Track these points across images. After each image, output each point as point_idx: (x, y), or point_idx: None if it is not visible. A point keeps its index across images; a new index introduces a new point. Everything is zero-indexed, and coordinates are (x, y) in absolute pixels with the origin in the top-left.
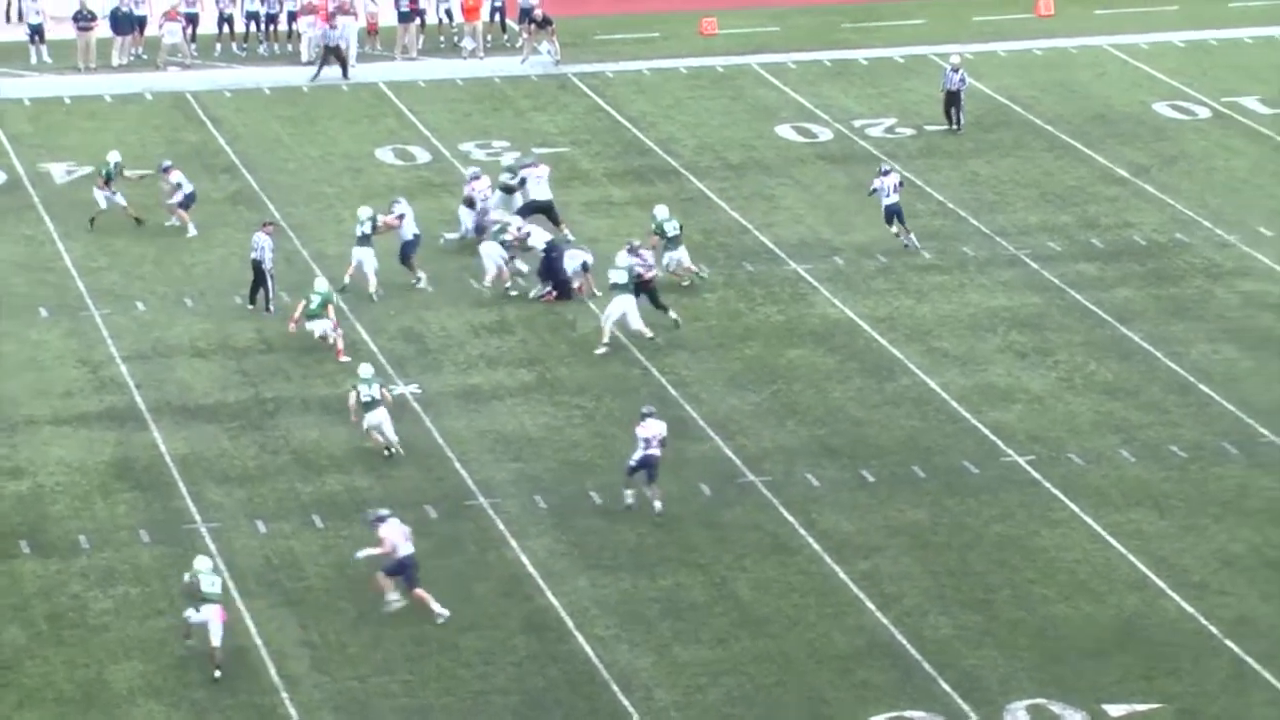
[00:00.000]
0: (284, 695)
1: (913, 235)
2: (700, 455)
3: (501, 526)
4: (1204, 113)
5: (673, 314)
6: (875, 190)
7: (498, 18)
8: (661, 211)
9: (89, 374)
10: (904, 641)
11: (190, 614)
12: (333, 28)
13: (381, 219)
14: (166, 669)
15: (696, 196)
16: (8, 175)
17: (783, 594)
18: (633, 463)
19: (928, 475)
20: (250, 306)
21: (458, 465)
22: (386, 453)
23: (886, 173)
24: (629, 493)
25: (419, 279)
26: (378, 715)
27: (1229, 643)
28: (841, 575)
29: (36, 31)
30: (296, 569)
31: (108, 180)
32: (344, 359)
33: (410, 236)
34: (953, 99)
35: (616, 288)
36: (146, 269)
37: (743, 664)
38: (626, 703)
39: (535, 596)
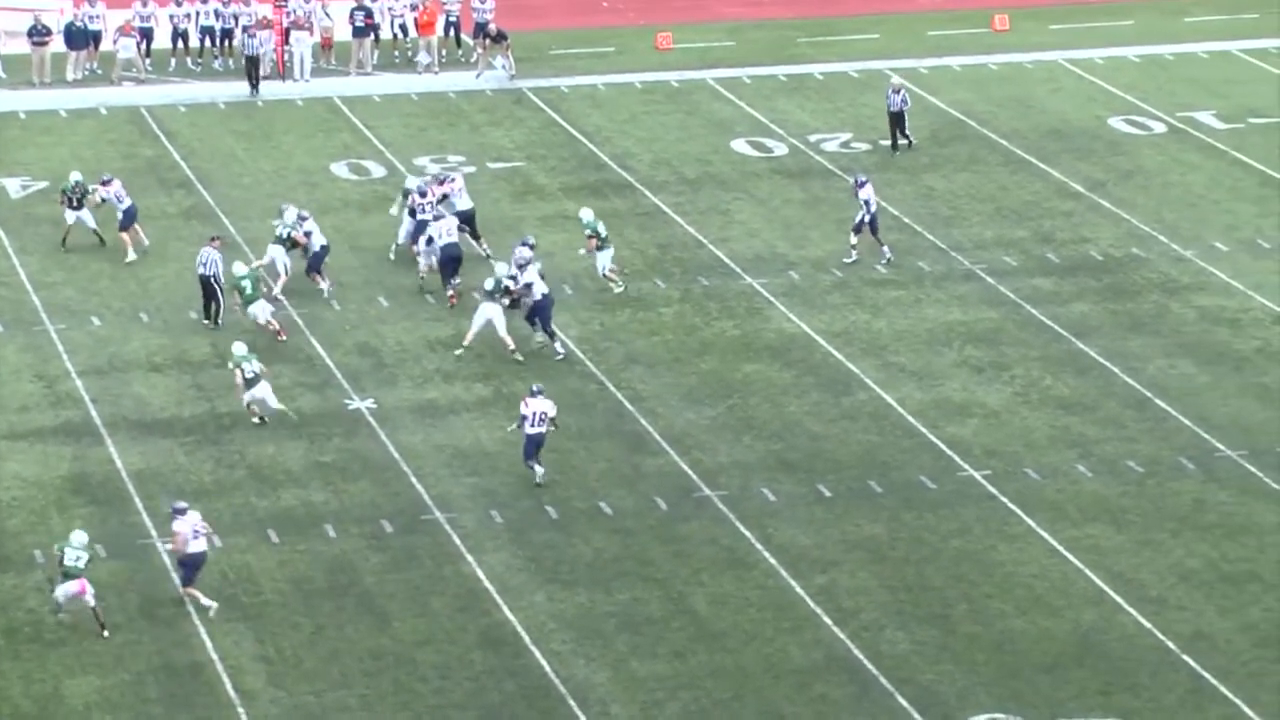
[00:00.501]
0: (240, 710)
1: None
2: (656, 469)
3: (458, 541)
4: (1159, 128)
5: (557, 345)
6: (867, 201)
7: (453, 33)
8: (587, 214)
9: (45, 389)
10: (861, 656)
11: (57, 589)
12: (251, 36)
13: (293, 233)
14: (123, 684)
15: (652, 211)
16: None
17: (740, 608)
18: (526, 446)
19: (885, 490)
20: (205, 322)
21: (414, 480)
22: (257, 420)
23: (864, 183)
24: (538, 470)
25: (325, 289)
26: None
27: (1186, 658)
28: (798, 590)
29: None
30: (252, 583)
31: (76, 201)
32: (284, 339)
33: (318, 248)
34: (897, 119)
35: (485, 294)
36: (102, 284)
37: (700, 678)
38: (583, 717)
39: (492, 611)
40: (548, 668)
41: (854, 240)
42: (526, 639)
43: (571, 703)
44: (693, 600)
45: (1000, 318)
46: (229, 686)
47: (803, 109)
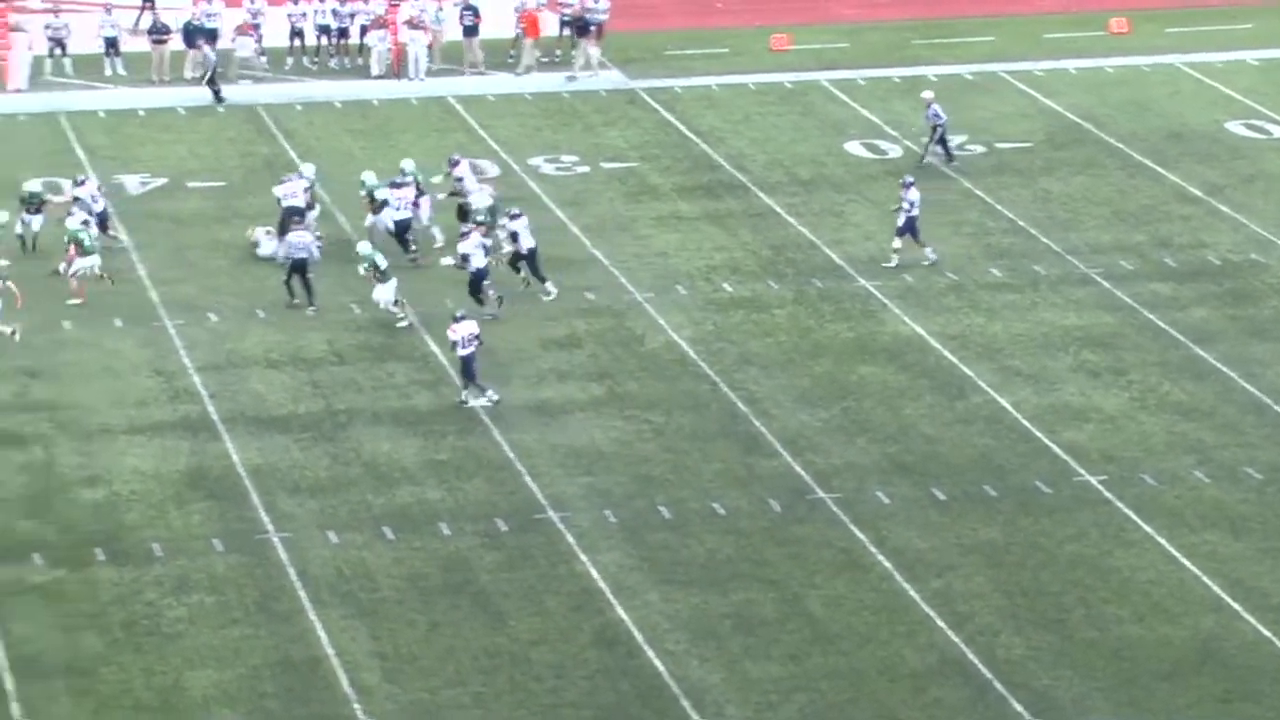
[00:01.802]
0: (356, 706)
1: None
2: (770, 471)
3: (572, 540)
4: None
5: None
6: (912, 204)
7: (567, 31)
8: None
9: (163, 384)
10: (976, 661)
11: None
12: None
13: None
14: (241, 677)
15: (765, 212)
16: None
17: (854, 611)
18: (460, 369)
19: (1000, 494)
20: (295, 301)
21: (528, 479)
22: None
23: (910, 184)
24: (465, 393)
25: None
26: None
27: None
28: (913, 593)
29: (111, 44)
30: (369, 580)
31: (34, 208)
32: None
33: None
34: (936, 133)
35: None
36: (220, 281)
37: (814, 681)
38: (697, 718)
39: (606, 611)
40: (662, 668)
41: (897, 244)
42: (640, 639)
43: (685, 703)
44: (807, 602)
45: (1117, 322)
46: (345, 682)
47: (917, 111)
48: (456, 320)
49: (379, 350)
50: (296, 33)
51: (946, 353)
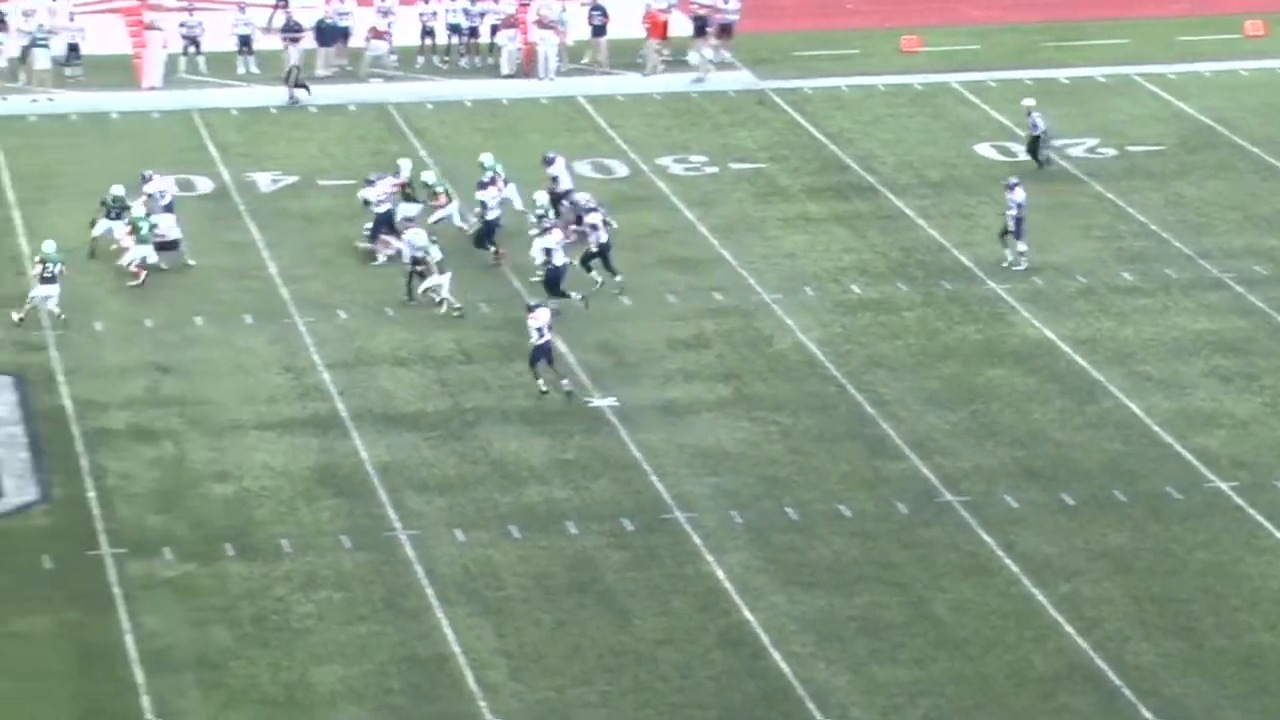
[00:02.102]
0: (482, 704)
1: (1019, 249)
2: (898, 474)
3: (698, 541)
4: None
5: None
6: (1018, 205)
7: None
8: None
9: (293, 381)
10: (1105, 667)
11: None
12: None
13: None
14: (368, 674)
15: (895, 214)
16: (215, 184)
17: (981, 615)
18: (533, 355)
19: (1130, 500)
20: (405, 299)
21: (654, 479)
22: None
23: (1015, 185)
24: (540, 381)
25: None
26: None
27: None
28: (1041, 598)
29: (245, 42)
30: (495, 578)
31: (115, 213)
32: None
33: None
34: (1035, 143)
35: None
36: (349, 278)
37: (941, 685)
38: None
39: (732, 611)
40: (787, 670)
41: (1021, 247)
42: (766, 640)
43: (811, 705)
44: (934, 606)
45: (1250, 327)
46: (471, 680)
47: (1048, 114)
48: (531, 310)
49: (507, 349)
50: (427, 32)
51: (1076, 357)
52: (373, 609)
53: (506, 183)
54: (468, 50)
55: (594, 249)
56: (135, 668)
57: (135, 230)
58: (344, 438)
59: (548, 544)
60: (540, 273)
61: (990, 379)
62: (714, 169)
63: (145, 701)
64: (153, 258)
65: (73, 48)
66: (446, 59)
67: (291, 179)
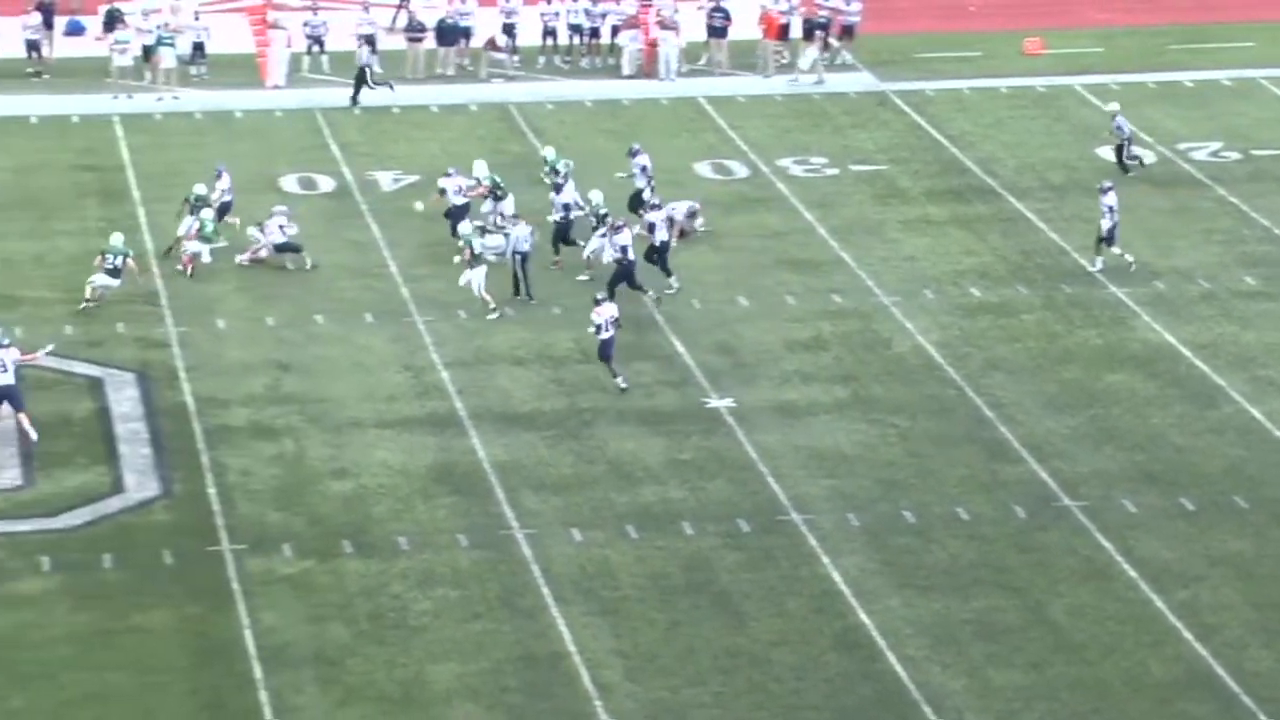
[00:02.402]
0: (597, 703)
1: (1112, 259)
2: (1015, 477)
3: (814, 543)
4: None
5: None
6: (1110, 208)
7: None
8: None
9: (412, 379)
10: (1224, 674)
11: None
12: (373, 50)
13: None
14: (484, 672)
15: (1015, 217)
16: (337, 183)
17: (1099, 620)
18: (600, 350)
19: (1251, 506)
20: (519, 297)
21: (770, 480)
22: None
23: (1108, 189)
24: (619, 379)
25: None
26: None
27: None
28: (1159, 604)
29: (368, 42)
30: (610, 578)
31: (195, 210)
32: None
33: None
34: (1121, 148)
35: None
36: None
37: (1057, 690)
38: None
39: (847, 614)
40: (903, 673)
41: (1116, 250)
42: (882, 643)
43: (926, 709)
44: (1050, 610)
45: None
46: (586, 679)
47: (1172, 116)
48: (598, 303)
49: (625, 349)
50: (549, 32)
51: (1197, 361)
52: (489, 607)
53: (566, 180)
54: (589, 50)
55: (655, 245)
56: (254, 663)
57: (200, 229)
58: (462, 436)
59: (664, 544)
60: (613, 269)
61: (1110, 383)
62: (834, 171)
63: (263, 697)
64: (206, 257)
65: (198, 46)
66: (568, 59)
67: (413, 178)
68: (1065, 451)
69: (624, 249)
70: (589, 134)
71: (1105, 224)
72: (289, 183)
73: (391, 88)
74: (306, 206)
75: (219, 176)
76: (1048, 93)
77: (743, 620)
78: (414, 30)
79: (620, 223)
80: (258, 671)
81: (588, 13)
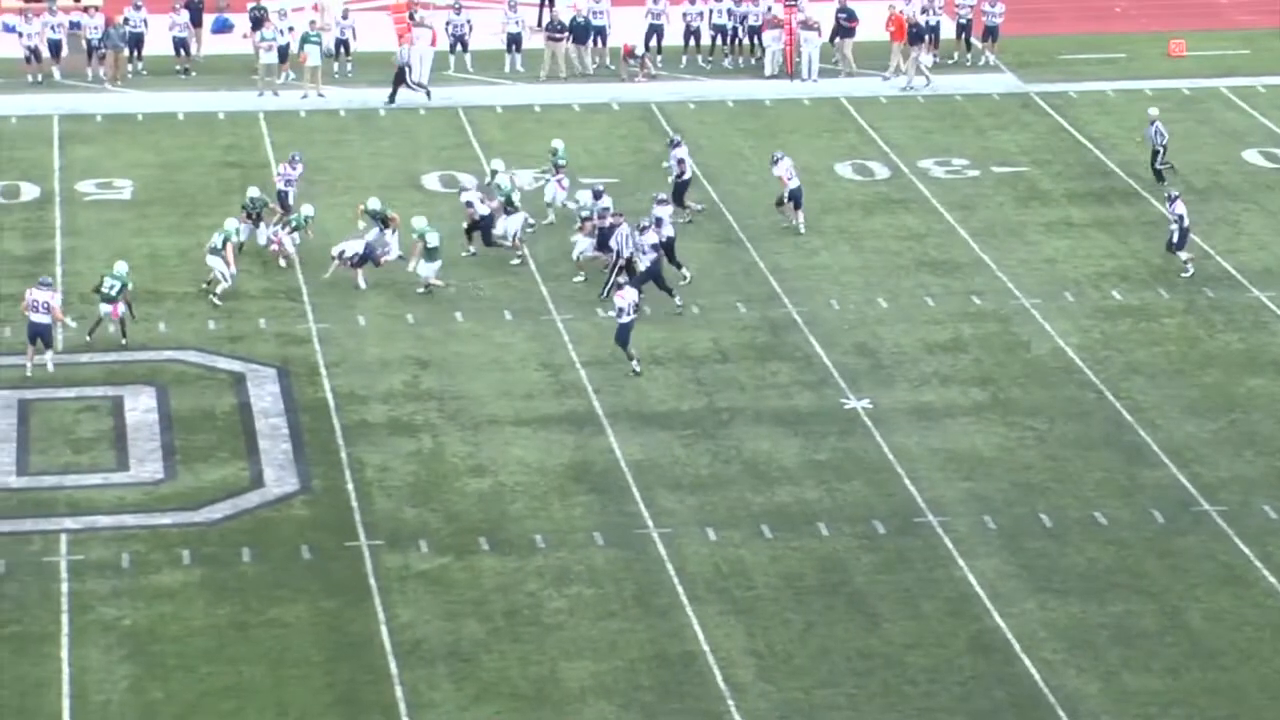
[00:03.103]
0: (730, 703)
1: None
2: (1154, 482)
3: (950, 545)
4: None
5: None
6: (1180, 216)
7: (963, 36)
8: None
9: (550, 377)
10: None
11: (100, 309)
12: (410, 43)
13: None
14: (618, 670)
15: (1158, 220)
16: (479, 181)
17: (1236, 626)
18: (619, 335)
19: None
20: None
21: (907, 482)
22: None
23: (1176, 198)
24: (635, 363)
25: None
26: None
27: None
28: None
29: (514, 41)
30: (745, 578)
31: (255, 216)
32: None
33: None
34: (1155, 155)
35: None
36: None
37: (1194, 696)
38: None
39: (983, 617)
40: (1038, 676)
41: (1184, 257)
42: (1017, 646)
43: (1061, 713)
44: (1188, 616)
45: None
46: (719, 678)
47: None
48: (619, 288)
49: (762, 349)
50: (692, 32)
51: None
52: (623, 606)
53: (559, 172)
54: (732, 50)
55: (661, 240)
56: (389, 658)
57: (295, 228)
58: (599, 435)
59: (799, 545)
60: (643, 265)
61: (1251, 388)
62: (975, 172)
63: (399, 692)
64: (290, 248)
65: (342, 44)
66: (710, 59)
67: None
68: (1205, 456)
69: (654, 247)
70: (729, 134)
71: (1175, 233)
72: (431, 180)
73: (429, 95)
74: (448, 205)
75: (294, 163)
76: (1192, 95)
77: (877, 622)
78: (554, 30)
79: (645, 223)
80: (393, 667)
81: (730, 13)
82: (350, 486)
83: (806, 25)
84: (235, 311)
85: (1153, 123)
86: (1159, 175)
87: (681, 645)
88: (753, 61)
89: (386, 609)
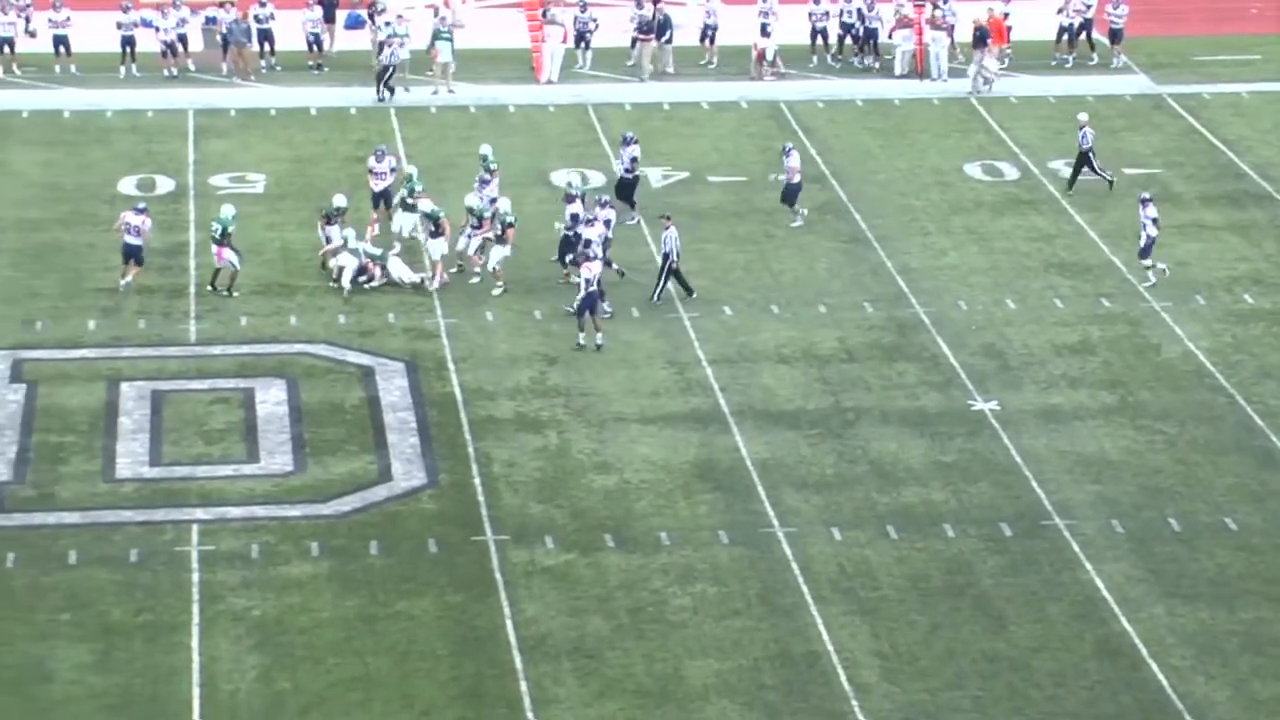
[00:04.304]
0: (854, 703)
1: (1158, 266)
2: None
3: (1077, 548)
4: None
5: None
6: (1154, 219)
7: (1084, 35)
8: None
9: (676, 375)
10: None
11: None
12: (392, 46)
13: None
14: (741, 669)
15: None
16: (607, 178)
17: None
18: (579, 304)
19: None
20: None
21: (1035, 484)
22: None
23: (1146, 202)
24: (581, 335)
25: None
26: None
27: None
28: None
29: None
30: (870, 578)
31: (334, 218)
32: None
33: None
34: (1083, 159)
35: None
36: (736, 275)
37: None
38: None
39: (1110, 621)
40: (1165, 683)
41: (1145, 263)
42: (1144, 651)
43: None
44: None
45: None
46: (843, 679)
47: None
48: (589, 259)
49: (889, 349)
50: (819, 32)
51: None
52: (748, 604)
53: (492, 176)
54: (861, 50)
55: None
56: (514, 653)
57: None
58: (724, 433)
59: (924, 546)
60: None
61: None
62: (1107, 174)
63: (523, 687)
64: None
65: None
66: (839, 58)
67: (682, 175)
68: None
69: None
70: (857, 133)
71: (1145, 237)
72: (558, 177)
73: (388, 95)
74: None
75: (380, 157)
76: None
77: (1003, 624)
78: (643, 30)
79: (591, 217)
80: (518, 661)
81: (859, 13)
82: (477, 481)
83: (935, 25)
84: (365, 306)
85: (1082, 127)
86: (1071, 183)
87: (806, 645)
88: (876, 64)
89: (512, 604)
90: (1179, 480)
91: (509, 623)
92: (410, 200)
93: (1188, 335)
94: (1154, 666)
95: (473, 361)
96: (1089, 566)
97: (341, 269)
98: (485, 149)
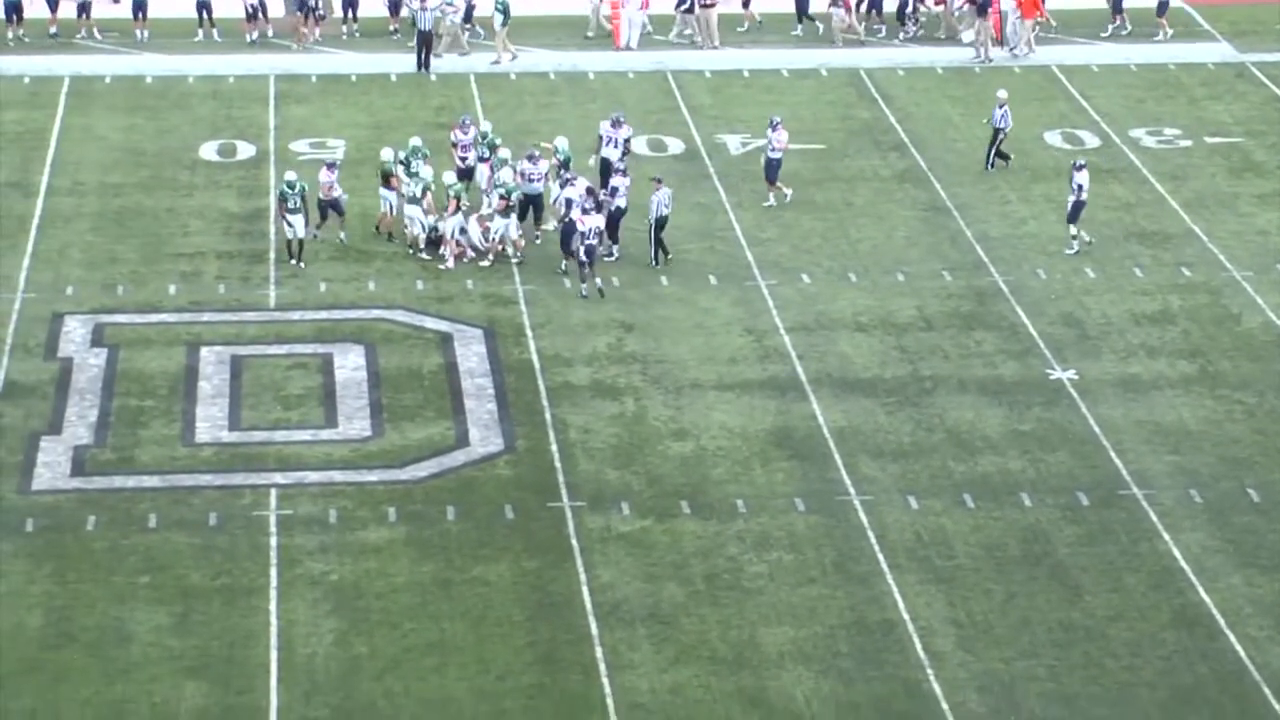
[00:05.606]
0: (929, 671)
1: (1083, 236)
2: None
3: (1154, 518)
4: None
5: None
6: (1080, 187)
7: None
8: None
9: (753, 342)
10: None
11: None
12: (424, 9)
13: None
14: (817, 636)
15: None
16: (686, 145)
17: None
18: (581, 257)
19: None
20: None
21: (1112, 454)
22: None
23: (1081, 167)
24: (584, 286)
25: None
26: (1021, 698)
27: None
28: None
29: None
30: (946, 547)
31: (385, 181)
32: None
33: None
34: (995, 136)
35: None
36: (814, 242)
37: None
38: (1278, 707)
39: (1186, 591)
40: (1243, 653)
41: (1072, 230)
42: (1221, 622)
43: (1266, 690)
44: None
45: None
46: (919, 647)
47: None
48: (585, 212)
49: (967, 318)
50: (874, 5)
51: None
52: (823, 572)
53: (494, 151)
54: (901, 19)
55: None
56: (590, 619)
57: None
58: (801, 401)
59: (1000, 515)
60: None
61: None
62: (1188, 142)
63: (598, 652)
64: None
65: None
66: (920, 26)
67: (761, 141)
68: None
69: (569, 202)
70: (938, 100)
71: (1073, 200)
72: (638, 144)
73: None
74: (655, 168)
75: (464, 127)
76: None
77: (1079, 594)
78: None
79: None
80: (593, 627)
81: None
82: (554, 448)
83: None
84: (442, 272)
85: (1001, 105)
86: (995, 159)
87: (881, 613)
88: (917, 31)
89: (588, 570)
90: (1258, 450)
91: (584, 588)
92: (486, 156)
93: (1269, 305)
94: (1231, 637)
95: (550, 328)
96: (1166, 536)
97: (416, 236)
98: (486, 126)
